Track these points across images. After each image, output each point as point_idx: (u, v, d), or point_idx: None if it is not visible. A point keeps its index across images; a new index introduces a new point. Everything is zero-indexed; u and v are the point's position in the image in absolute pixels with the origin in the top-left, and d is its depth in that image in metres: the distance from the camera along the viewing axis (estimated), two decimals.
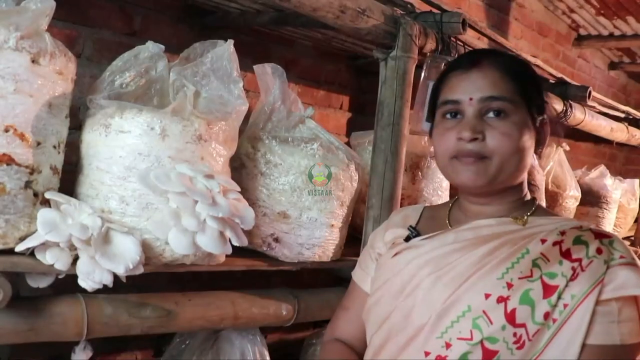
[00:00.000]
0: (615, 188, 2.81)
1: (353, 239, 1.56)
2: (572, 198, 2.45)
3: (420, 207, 1.15)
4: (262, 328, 1.47)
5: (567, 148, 2.55)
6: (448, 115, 0.99)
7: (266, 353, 1.49)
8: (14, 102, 0.94)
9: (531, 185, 1.08)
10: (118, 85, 1.14)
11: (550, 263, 0.90)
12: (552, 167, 2.48)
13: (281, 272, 1.41)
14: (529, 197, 1.04)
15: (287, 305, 1.38)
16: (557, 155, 2.51)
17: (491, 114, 0.94)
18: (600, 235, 0.92)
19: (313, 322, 1.82)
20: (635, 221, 3.30)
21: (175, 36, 1.57)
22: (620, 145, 3.41)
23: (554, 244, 0.92)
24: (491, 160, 0.94)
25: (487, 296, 0.90)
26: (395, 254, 1.03)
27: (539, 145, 1.01)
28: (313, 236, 1.35)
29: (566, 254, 0.90)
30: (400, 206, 1.46)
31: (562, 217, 1.05)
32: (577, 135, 3.18)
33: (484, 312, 0.89)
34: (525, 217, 0.98)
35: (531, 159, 1.00)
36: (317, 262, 1.39)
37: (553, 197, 2.38)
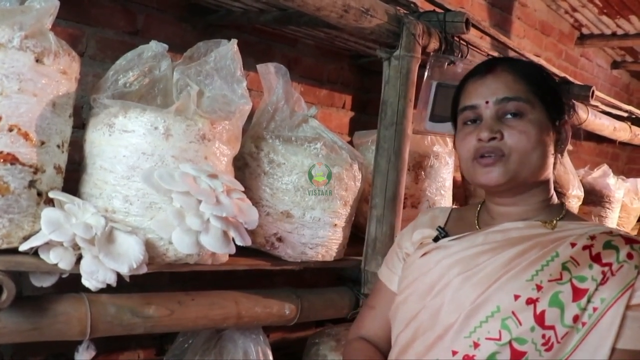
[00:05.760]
0: (618, 187, 2.80)
1: (356, 238, 1.56)
2: (575, 197, 2.44)
3: (448, 208, 1.16)
4: (265, 327, 1.47)
5: (570, 147, 2.53)
6: (468, 122, 1.01)
7: (269, 352, 1.49)
8: (18, 101, 0.94)
9: (558, 192, 1.07)
10: (122, 85, 1.14)
11: (580, 267, 0.90)
12: None
13: (284, 272, 1.41)
14: (556, 200, 1.04)
15: (290, 304, 1.37)
16: None
17: (509, 115, 0.97)
18: (631, 241, 0.92)
19: (316, 322, 1.82)
20: (638, 220, 3.29)
21: (178, 35, 1.57)
22: (623, 144, 3.40)
23: (584, 248, 0.92)
24: (510, 158, 0.95)
25: (516, 297, 0.90)
26: (424, 254, 1.04)
27: (560, 145, 1.03)
28: (316, 236, 1.35)
29: (596, 258, 0.90)
30: (403, 206, 1.47)
31: (592, 222, 1.05)
32: (579, 134, 3.17)
33: (513, 313, 0.89)
34: (555, 222, 0.99)
35: (552, 158, 1.01)
36: (320, 261, 1.39)
37: None
